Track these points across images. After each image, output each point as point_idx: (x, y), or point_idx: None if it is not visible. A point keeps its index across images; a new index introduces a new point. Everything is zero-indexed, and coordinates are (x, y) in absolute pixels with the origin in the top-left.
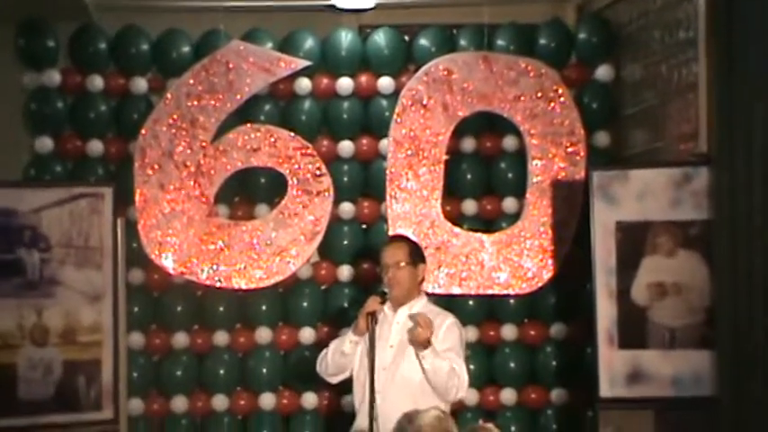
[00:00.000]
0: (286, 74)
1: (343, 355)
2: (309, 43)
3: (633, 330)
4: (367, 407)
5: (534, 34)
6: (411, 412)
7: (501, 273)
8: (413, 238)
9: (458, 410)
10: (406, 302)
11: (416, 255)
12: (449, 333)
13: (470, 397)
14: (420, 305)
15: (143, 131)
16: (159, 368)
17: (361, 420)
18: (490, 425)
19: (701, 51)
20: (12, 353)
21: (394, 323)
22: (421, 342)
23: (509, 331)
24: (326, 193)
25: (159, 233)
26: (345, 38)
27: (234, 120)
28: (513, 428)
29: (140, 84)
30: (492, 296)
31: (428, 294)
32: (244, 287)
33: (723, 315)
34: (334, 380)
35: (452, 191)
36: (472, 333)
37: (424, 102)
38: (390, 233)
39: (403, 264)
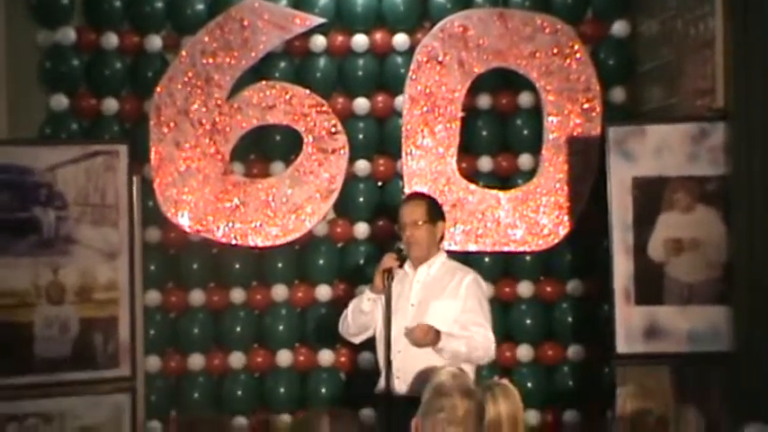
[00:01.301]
0: (301, 31)
1: (362, 314)
2: (324, 0)
3: (650, 286)
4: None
5: None
6: (427, 369)
7: (517, 229)
8: (431, 195)
9: (477, 368)
10: (426, 260)
11: (435, 212)
12: (469, 293)
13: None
14: (439, 262)
15: (158, 89)
16: (176, 326)
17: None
18: (506, 380)
19: (718, 6)
20: (28, 311)
21: (414, 281)
22: (429, 345)
23: (525, 288)
24: (342, 151)
25: (175, 191)
26: None
27: (249, 77)
28: (529, 385)
29: (155, 41)
30: (508, 253)
31: (445, 252)
32: (260, 245)
33: (740, 271)
34: (357, 339)
35: (468, 148)
36: (488, 290)
37: (440, 58)
38: (406, 191)
39: (421, 222)
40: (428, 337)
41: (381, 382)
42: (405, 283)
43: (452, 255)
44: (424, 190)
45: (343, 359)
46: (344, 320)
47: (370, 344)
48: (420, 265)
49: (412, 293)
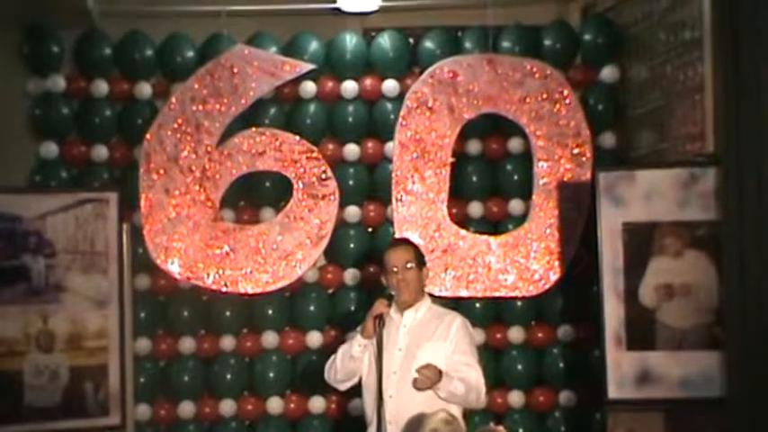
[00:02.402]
0: (291, 77)
1: (352, 360)
2: (314, 46)
3: (641, 332)
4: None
5: (539, 36)
6: (419, 415)
7: (508, 275)
8: (415, 240)
9: (466, 413)
10: (413, 305)
11: (421, 257)
12: (460, 335)
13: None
14: (425, 307)
15: (148, 136)
16: (166, 373)
17: (377, 426)
18: (501, 427)
19: (707, 52)
20: (18, 359)
21: (401, 326)
22: (431, 386)
23: (516, 333)
24: (332, 197)
25: (165, 238)
26: (350, 41)
27: (239, 124)
28: (520, 431)
29: (145, 89)
30: (499, 298)
31: (434, 297)
32: (250, 291)
33: (732, 316)
34: (343, 386)
35: (458, 193)
36: (479, 336)
37: (430, 104)
38: (396, 236)
39: (410, 265)
40: (437, 376)
41: (369, 430)
42: (391, 328)
43: (443, 300)
44: (412, 236)
45: (333, 406)
46: (332, 367)
47: (360, 391)
48: (406, 309)
49: (399, 338)
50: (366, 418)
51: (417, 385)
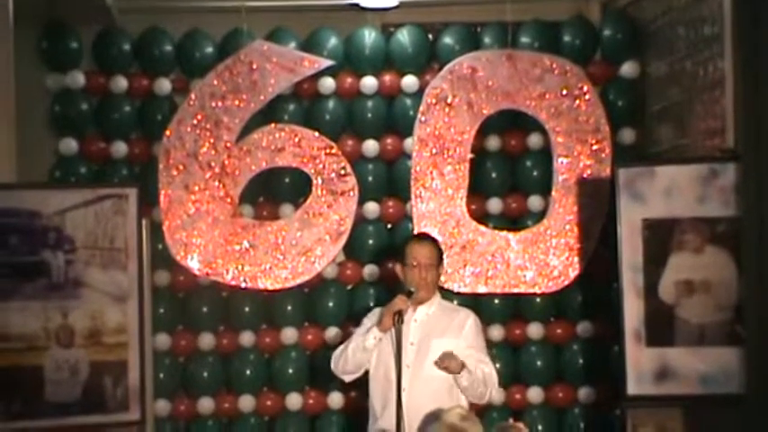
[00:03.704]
0: (310, 73)
1: (365, 351)
2: (333, 42)
3: (661, 328)
4: (392, 407)
5: (558, 31)
6: (435, 411)
7: (527, 271)
8: (436, 237)
9: (484, 409)
10: (427, 301)
11: (441, 255)
12: (474, 332)
13: (497, 396)
14: (437, 302)
15: (167, 132)
16: (185, 369)
17: (387, 420)
18: (521, 424)
19: (727, 47)
20: (38, 354)
21: (412, 321)
22: (454, 372)
23: (535, 330)
24: (351, 193)
25: (184, 234)
26: (369, 36)
27: (258, 120)
28: (539, 427)
29: (164, 85)
30: (518, 295)
31: (453, 293)
32: (269, 287)
33: (751, 312)
34: (349, 378)
35: (478, 189)
36: (498, 332)
37: (449, 100)
38: (415, 232)
39: (432, 264)
40: (459, 364)
41: (380, 424)
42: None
43: (462, 297)
44: (433, 232)
45: (352, 402)
46: (341, 357)
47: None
48: (420, 305)
49: (411, 332)
50: (373, 411)
51: (445, 365)
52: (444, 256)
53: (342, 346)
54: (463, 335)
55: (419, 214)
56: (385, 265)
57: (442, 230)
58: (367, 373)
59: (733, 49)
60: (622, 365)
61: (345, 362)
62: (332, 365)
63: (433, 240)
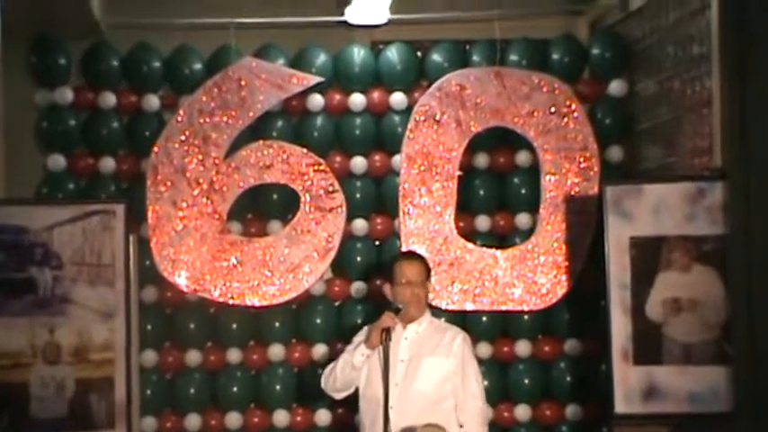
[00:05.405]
0: (298, 90)
1: (353, 369)
2: (322, 59)
3: (648, 346)
4: (380, 424)
5: (547, 49)
6: (408, 429)
7: (515, 289)
8: (423, 254)
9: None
10: (417, 318)
11: (429, 271)
12: (463, 353)
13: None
14: (427, 320)
15: (155, 148)
16: (172, 386)
17: None
18: None
19: (715, 66)
20: (24, 371)
21: (402, 339)
22: None
23: (523, 347)
24: (339, 210)
25: (172, 250)
26: (358, 53)
27: (246, 136)
28: None
29: (152, 101)
30: (506, 312)
31: (441, 310)
32: (257, 304)
33: (739, 330)
34: (339, 396)
35: (466, 206)
36: (486, 349)
37: (437, 117)
38: (403, 249)
39: (421, 281)
40: None
41: None
42: (393, 340)
43: (450, 314)
44: (420, 249)
45: (339, 419)
46: (330, 375)
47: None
48: (410, 322)
49: (400, 350)
50: (362, 428)
51: None
52: (432, 273)
53: (331, 365)
54: (453, 353)
55: (407, 231)
56: (373, 281)
57: (429, 247)
58: (357, 390)
59: (721, 69)
60: (610, 384)
61: (335, 380)
62: (322, 384)
63: (421, 258)
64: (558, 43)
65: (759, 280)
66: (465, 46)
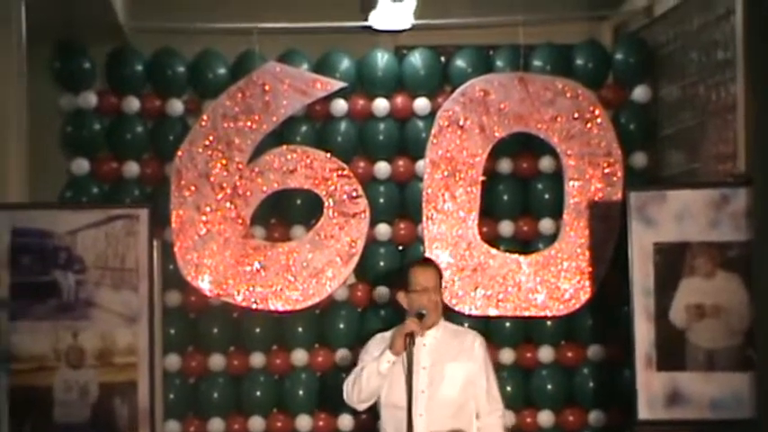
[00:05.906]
0: (322, 95)
1: (380, 376)
2: (345, 64)
3: (672, 352)
4: None
5: (570, 55)
6: None
7: (538, 294)
8: (445, 259)
9: None
10: (435, 325)
11: (442, 277)
12: (483, 354)
13: (507, 419)
14: (443, 326)
15: (179, 153)
16: (196, 390)
17: None
18: None
19: (740, 72)
20: (47, 375)
21: (421, 345)
22: None
23: (546, 353)
24: (363, 215)
25: (195, 255)
26: (381, 59)
27: (270, 141)
28: None
29: (176, 105)
30: (529, 318)
31: (466, 316)
32: (280, 309)
33: (763, 337)
34: (363, 406)
35: (489, 212)
36: (509, 355)
37: (461, 123)
38: (426, 255)
39: (438, 286)
40: None
41: None
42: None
43: (473, 319)
44: (440, 255)
45: (362, 424)
46: (355, 385)
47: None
48: (428, 328)
49: (422, 357)
50: None
51: None
52: (443, 279)
53: (352, 376)
54: (475, 357)
55: (430, 236)
56: (396, 287)
57: (453, 253)
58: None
59: (745, 74)
60: (633, 389)
61: (360, 390)
62: (345, 396)
63: (434, 264)
64: (581, 49)
65: None
66: (489, 51)
